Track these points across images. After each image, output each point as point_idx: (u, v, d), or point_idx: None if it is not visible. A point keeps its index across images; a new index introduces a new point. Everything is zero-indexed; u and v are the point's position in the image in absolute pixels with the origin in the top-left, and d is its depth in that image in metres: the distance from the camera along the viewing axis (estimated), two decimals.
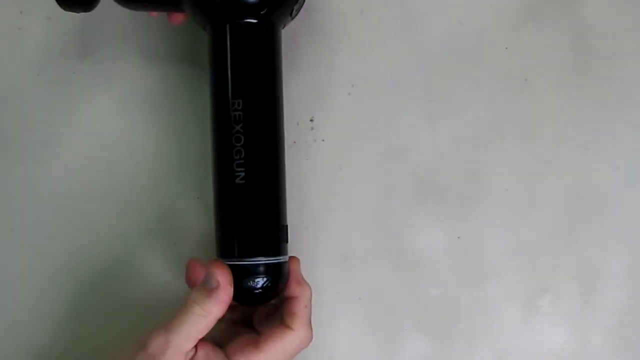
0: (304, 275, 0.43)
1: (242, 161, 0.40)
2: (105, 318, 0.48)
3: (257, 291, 0.40)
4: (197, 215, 0.48)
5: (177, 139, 0.49)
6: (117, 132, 0.49)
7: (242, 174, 0.40)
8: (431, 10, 0.50)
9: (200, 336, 0.39)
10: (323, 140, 0.49)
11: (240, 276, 0.40)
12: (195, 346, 0.39)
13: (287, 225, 0.42)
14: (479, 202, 0.49)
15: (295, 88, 0.49)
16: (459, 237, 0.49)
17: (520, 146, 0.49)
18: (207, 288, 0.39)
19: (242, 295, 0.40)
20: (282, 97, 0.43)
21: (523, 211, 0.49)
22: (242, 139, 0.40)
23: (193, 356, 0.39)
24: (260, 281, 0.40)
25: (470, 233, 0.49)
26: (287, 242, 0.42)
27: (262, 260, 0.41)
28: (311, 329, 0.41)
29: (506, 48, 0.50)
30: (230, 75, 0.41)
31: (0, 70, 0.49)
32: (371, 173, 0.49)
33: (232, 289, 0.40)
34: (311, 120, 0.49)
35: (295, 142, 0.49)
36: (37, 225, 0.48)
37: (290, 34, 0.48)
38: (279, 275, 0.41)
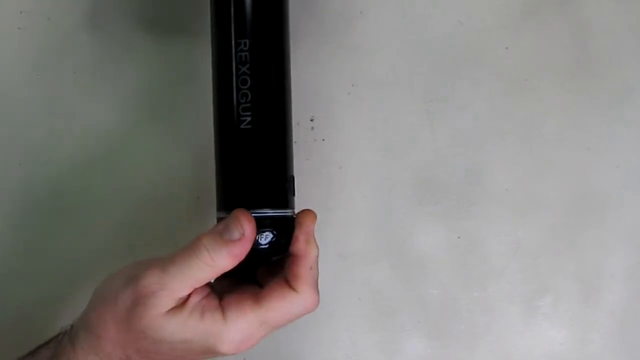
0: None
1: (248, 105, 0.38)
2: None
3: (261, 247, 0.37)
4: (198, 215, 0.48)
5: (178, 139, 0.49)
6: (117, 132, 0.49)
7: (249, 119, 0.38)
8: (431, 10, 0.50)
9: (199, 286, 0.36)
10: (323, 140, 0.49)
11: None
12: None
13: (294, 177, 0.40)
14: (479, 202, 0.49)
15: (295, 88, 0.49)
16: (459, 237, 0.49)
17: (520, 146, 0.49)
18: (226, 237, 0.36)
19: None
20: (289, 38, 0.40)
21: (523, 211, 0.49)
22: (249, 81, 0.38)
23: (185, 301, 0.36)
24: (265, 236, 0.37)
25: (470, 233, 0.49)
26: (294, 194, 0.40)
27: (269, 212, 0.38)
28: (317, 292, 0.38)
29: (506, 48, 0.50)
30: (236, 14, 0.38)
31: (0, 70, 0.49)
32: (371, 173, 0.49)
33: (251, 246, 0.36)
34: (311, 120, 0.49)
35: (295, 142, 0.49)
36: (37, 225, 0.48)
37: (290, 34, 0.48)
38: (286, 230, 0.38)
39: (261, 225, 0.37)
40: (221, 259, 0.35)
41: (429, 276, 0.49)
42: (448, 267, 0.49)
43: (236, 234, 0.36)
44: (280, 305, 0.36)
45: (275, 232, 0.38)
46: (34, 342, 0.48)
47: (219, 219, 0.39)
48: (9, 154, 0.49)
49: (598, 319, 0.49)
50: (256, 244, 0.37)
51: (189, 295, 0.36)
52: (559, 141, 0.49)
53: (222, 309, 0.36)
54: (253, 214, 0.37)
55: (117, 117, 0.49)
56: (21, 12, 0.49)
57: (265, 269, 0.40)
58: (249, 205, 0.37)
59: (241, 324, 0.36)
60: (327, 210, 0.49)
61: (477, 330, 0.49)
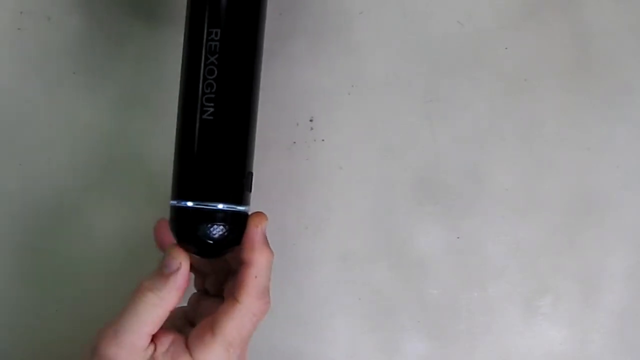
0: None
1: (212, 95, 0.37)
2: (101, 320, 0.48)
3: (211, 241, 0.37)
4: None
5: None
6: (117, 132, 0.49)
7: (211, 109, 0.37)
8: (431, 10, 0.50)
9: (155, 330, 0.36)
10: (323, 140, 0.49)
11: (196, 221, 0.37)
12: (154, 341, 0.36)
13: (252, 173, 0.39)
14: (479, 202, 0.49)
15: (295, 88, 0.49)
16: (459, 237, 0.49)
17: (520, 146, 0.49)
18: (166, 272, 0.36)
19: (196, 243, 0.37)
20: (263, 33, 0.40)
21: (523, 211, 0.49)
22: (216, 72, 0.37)
23: (153, 353, 0.36)
24: (216, 229, 0.37)
25: (470, 233, 0.49)
26: (250, 191, 0.39)
27: (221, 206, 0.37)
28: (263, 298, 0.37)
29: (506, 48, 0.50)
30: (211, 3, 0.38)
31: (0, 70, 0.49)
32: (371, 173, 0.49)
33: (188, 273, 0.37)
34: (311, 120, 0.49)
35: (295, 142, 0.49)
36: (37, 225, 0.48)
37: (289, 34, 0.48)
38: (238, 226, 0.38)
39: (213, 218, 0.37)
40: (167, 294, 0.36)
41: (429, 276, 0.49)
42: (448, 267, 0.49)
43: (174, 265, 0.36)
44: (230, 324, 0.36)
45: (226, 227, 0.37)
46: (34, 341, 0.48)
47: (172, 207, 0.39)
48: (9, 154, 0.49)
49: (598, 319, 0.49)
50: (206, 236, 0.37)
51: (155, 348, 0.36)
52: (559, 141, 0.49)
53: (189, 350, 0.36)
54: (205, 207, 0.37)
55: (117, 116, 0.49)
56: (21, 13, 0.49)
57: (231, 282, 0.40)
58: (202, 197, 0.37)
59: (211, 358, 0.36)
60: (327, 210, 0.49)
61: (477, 330, 0.49)
